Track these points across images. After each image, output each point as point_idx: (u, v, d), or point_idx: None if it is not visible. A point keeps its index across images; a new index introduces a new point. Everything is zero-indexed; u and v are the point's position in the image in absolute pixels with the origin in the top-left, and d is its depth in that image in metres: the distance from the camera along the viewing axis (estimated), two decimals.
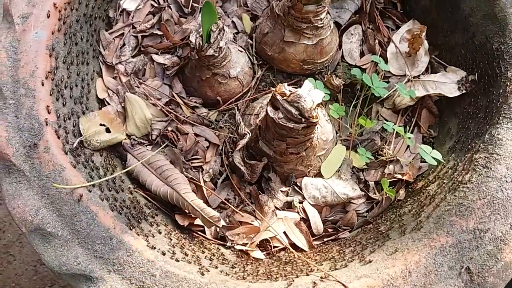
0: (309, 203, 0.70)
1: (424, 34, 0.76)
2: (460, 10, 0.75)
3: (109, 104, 0.72)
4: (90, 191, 0.58)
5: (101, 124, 0.67)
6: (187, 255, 0.60)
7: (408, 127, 0.77)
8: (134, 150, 0.68)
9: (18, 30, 0.62)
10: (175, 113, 0.73)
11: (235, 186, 0.69)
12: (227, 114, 0.77)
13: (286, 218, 0.67)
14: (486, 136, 0.64)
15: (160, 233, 0.61)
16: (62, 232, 0.55)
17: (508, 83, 0.66)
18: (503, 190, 0.58)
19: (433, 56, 0.80)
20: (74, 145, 0.61)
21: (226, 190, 0.70)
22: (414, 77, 0.77)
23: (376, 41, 0.80)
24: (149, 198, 0.67)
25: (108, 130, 0.68)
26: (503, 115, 0.64)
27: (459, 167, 0.64)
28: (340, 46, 0.81)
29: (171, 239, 0.61)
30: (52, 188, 0.56)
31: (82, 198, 0.57)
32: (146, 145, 0.71)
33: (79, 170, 0.59)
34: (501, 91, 0.67)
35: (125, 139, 0.70)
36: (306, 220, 0.69)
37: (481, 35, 0.72)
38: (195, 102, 0.76)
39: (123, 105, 0.72)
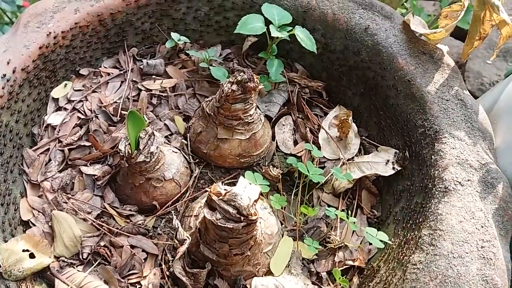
0: None
1: (350, 118, 0.79)
2: (382, 93, 0.79)
3: (34, 225, 0.67)
4: None
5: (24, 250, 0.61)
6: None
7: (350, 210, 0.76)
8: (62, 274, 0.62)
9: None
10: (107, 225, 0.68)
11: None
12: (165, 218, 0.73)
13: None
14: (427, 211, 0.64)
15: None
16: None
17: (437, 157, 0.68)
18: (452, 267, 0.56)
19: (363, 137, 0.83)
20: None
21: None
22: (348, 160, 0.79)
23: (307, 129, 0.82)
24: None
25: (32, 255, 0.62)
26: (438, 188, 0.65)
27: (406, 246, 0.63)
28: (273, 137, 0.82)
29: None
30: None
31: None
32: (77, 266, 0.65)
33: None
34: (432, 164, 0.69)
35: (52, 262, 0.64)
36: None
37: (405, 114, 0.75)
38: (130, 210, 0.72)
39: (50, 225, 0.67)
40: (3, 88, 0.68)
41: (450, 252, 0.58)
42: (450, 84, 0.74)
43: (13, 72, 0.70)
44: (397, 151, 0.76)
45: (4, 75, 0.69)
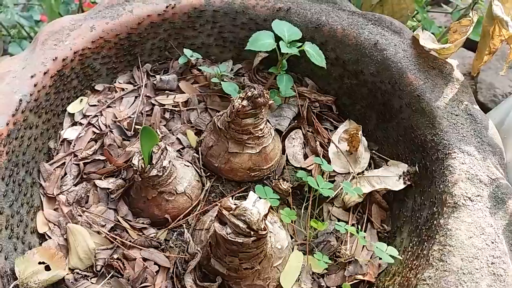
0: None
1: (360, 132, 0.80)
2: (391, 108, 0.80)
3: (50, 238, 0.68)
4: None
5: (40, 262, 0.63)
6: None
7: (361, 224, 0.76)
8: (77, 286, 0.63)
9: None
10: (120, 238, 0.69)
11: None
12: (177, 231, 0.74)
13: None
14: (436, 226, 0.64)
15: None
16: None
17: (447, 172, 0.68)
18: (462, 283, 0.56)
19: (373, 151, 0.83)
20: None
21: None
22: (358, 174, 0.79)
23: (317, 142, 0.83)
24: None
25: (48, 268, 0.63)
26: (448, 204, 0.65)
27: (415, 261, 0.63)
28: (284, 150, 0.83)
29: None
30: None
31: None
32: (91, 278, 0.66)
33: None
34: (442, 179, 0.69)
35: (67, 274, 0.65)
36: None
37: (414, 129, 0.76)
38: (143, 223, 0.73)
39: (65, 237, 0.68)
40: (21, 103, 0.70)
41: (460, 268, 0.58)
42: (460, 98, 0.74)
43: (32, 88, 0.73)
44: (408, 166, 0.77)
45: (23, 92, 0.71)
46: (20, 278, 0.59)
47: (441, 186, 0.68)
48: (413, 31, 0.82)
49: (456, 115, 0.72)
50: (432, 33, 1.31)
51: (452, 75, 0.76)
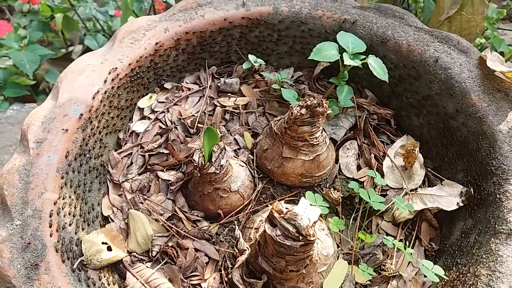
0: None
1: (417, 149, 0.79)
2: (450, 128, 0.79)
3: (113, 221, 0.74)
4: None
5: (103, 243, 0.69)
6: None
7: (409, 240, 0.76)
8: (133, 268, 0.69)
9: (32, 154, 0.67)
10: (176, 228, 0.74)
11: None
12: (228, 227, 0.78)
13: None
14: (487, 251, 0.63)
15: None
16: None
17: (503, 197, 0.67)
18: None
19: (429, 169, 0.82)
20: (75, 266, 0.62)
21: None
22: (411, 190, 0.79)
23: (372, 155, 0.84)
24: None
25: (109, 248, 0.69)
26: (501, 230, 0.64)
27: (462, 284, 0.63)
28: (337, 160, 0.85)
29: None
30: None
31: None
32: (146, 262, 0.71)
33: None
34: (497, 205, 0.68)
35: (125, 256, 0.71)
36: None
37: (473, 151, 0.75)
38: (197, 215, 0.78)
39: (126, 222, 0.74)
40: (99, 96, 0.77)
41: None
42: None
43: (109, 82, 0.79)
44: (464, 187, 0.76)
45: (100, 85, 0.78)
46: (85, 255, 0.65)
47: (495, 211, 0.67)
48: (481, 50, 0.80)
49: None
50: (502, 52, 1.27)
51: None
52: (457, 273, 0.67)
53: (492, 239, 0.64)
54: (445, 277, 0.67)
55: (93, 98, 0.76)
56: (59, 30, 1.79)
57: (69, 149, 0.69)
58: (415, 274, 0.72)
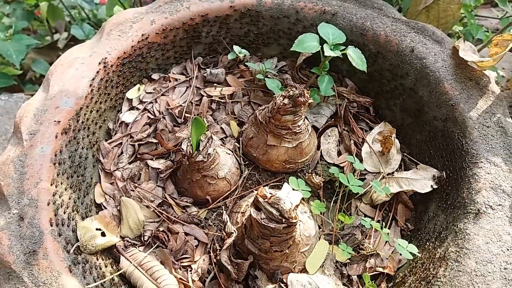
0: None
1: (394, 135, 0.84)
2: (425, 115, 0.84)
3: (105, 208, 0.78)
4: None
5: (97, 229, 0.72)
6: None
7: (386, 221, 0.81)
8: (127, 252, 0.72)
9: (26, 145, 0.70)
10: (166, 213, 0.78)
11: (223, 285, 0.72)
12: (216, 212, 0.82)
13: None
14: (456, 230, 0.69)
15: None
16: None
17: (472, 180, 0.72)
18: (473, 284, 0.61)
19: (405, 154, 0.87)
20: (71, 251, 0.65)
21: None
22: (388, 174, 0.84)
23: (352, 141, 0.88)
24: None
25: (103, 234, 0.72)
26: (469, 210, 0.69)
27: (433, 260, 0.68)
28: (318, 146, 0.89)
29: None
30: None
31: None
32: (138, 246, 0.75)
33: (75, 275, 0.63)
34: (466, 187, 0.72)
35: (119, 241, 0.74)
36: None
37: (446, 136, 0.79)
38: (186, 201, 0.81)
39: (118, 209, 0.78)
40: (88, 88, 0.79)
41: (473, 270, 0.62)
42: (493, 111, 0.77)
43: (98, 74, 0.81)
44: (437, 171, 0.81)
45: (90, 77, 0.80)
46: (80, 240, 0.69)
47: (465, 193, 0.72)
48: (457, 39, 0.84)
49: (487, 127, 0.75)
50: (479, 39, 1.31)
51: (488, 87, 0.79)
52: (430, 252, 0.72)
53: (461, 218, 0.69)
54: (418, 254, 0.72)
55: (83, 90, 0.79)
56: (44, 19, 1.78)
57: (61, 140, 0.72)
58: (392, 253, 0.77)
